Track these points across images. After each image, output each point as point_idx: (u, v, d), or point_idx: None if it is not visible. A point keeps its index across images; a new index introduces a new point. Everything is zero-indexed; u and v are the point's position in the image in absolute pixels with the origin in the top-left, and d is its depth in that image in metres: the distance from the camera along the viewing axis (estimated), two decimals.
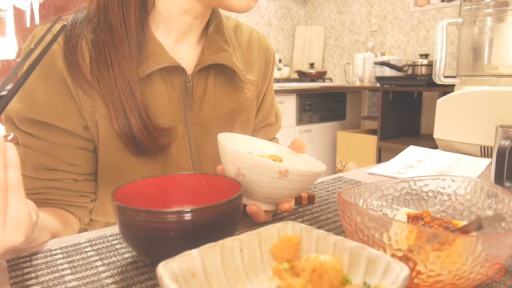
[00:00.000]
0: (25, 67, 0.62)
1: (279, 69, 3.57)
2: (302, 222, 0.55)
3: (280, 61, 3.69)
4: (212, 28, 0.72)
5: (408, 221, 0.46)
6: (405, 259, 0.33)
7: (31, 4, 2.62)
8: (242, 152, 0.49)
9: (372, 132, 3.06)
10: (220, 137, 0.53)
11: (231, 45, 0.73)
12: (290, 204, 0.54)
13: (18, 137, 0.62)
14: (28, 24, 2.65)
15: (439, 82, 1.11)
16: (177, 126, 0.68)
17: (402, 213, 0.47)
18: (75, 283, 0.40)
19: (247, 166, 0.49)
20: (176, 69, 0.67)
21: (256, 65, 0.80)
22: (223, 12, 0.77)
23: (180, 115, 0.68)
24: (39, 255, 0.46)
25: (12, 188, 0.36)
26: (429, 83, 2.46)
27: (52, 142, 0.61)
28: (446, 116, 1.02)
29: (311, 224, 0.55)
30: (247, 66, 0.78)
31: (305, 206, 0.63)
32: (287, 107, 2.95)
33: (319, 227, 0.54)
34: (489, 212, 0.44)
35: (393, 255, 0.34)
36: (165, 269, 0.29)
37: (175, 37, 0.69)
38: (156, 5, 0.65)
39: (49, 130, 0.61)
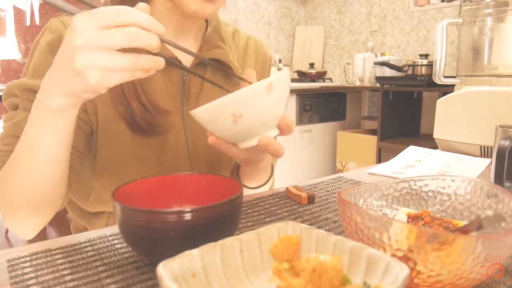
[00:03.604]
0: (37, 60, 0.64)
1: (279, 69, 3.57)
2: (302, 222, 0.55)
3: (280, 61, 3.68)
4: (210, 28, 0.75)
5: (408, 221, 0.46)
6: (405, 259, 0.33)
7: (31, 4, 2.62)
8: (227, 97, 0.49)
9: (372, 132, 3.05)
10: (193, 113, 0.51)
11: (228, 45, 0.76)
12: (288, 119, 0.57)
13: (18, 104, 0.63)
14: (28, 24, 2.65)
15: (439, 82, 1.11)
16: (174, 117, 0.70)
17: (402, 213, 0.47)
18: (75, 283, 0.40)
19: (242, 102, 0.49)
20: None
21: (253, 66, 0.82)
22: (222, 19, 0.80)
23: (177, 108, 0.71)
24: (39, 255, 0.46)
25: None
26: (429, 83, 2.46)
27: None
28: (446, 116, 1.02)
29: (311, 224, 0.55)
30: (244, 67, 0.79)
31: (305, 206, 0.63)
32: (287, 107, 2.94)
33: (319, 227, 0.54)
34: (489, 212, 0.44)
35: (393, 255, 0.34)
36: (165, 269, 0.29)
37: (171, 36, 0.71)
38: (151, 5, 0.67)
39: None
